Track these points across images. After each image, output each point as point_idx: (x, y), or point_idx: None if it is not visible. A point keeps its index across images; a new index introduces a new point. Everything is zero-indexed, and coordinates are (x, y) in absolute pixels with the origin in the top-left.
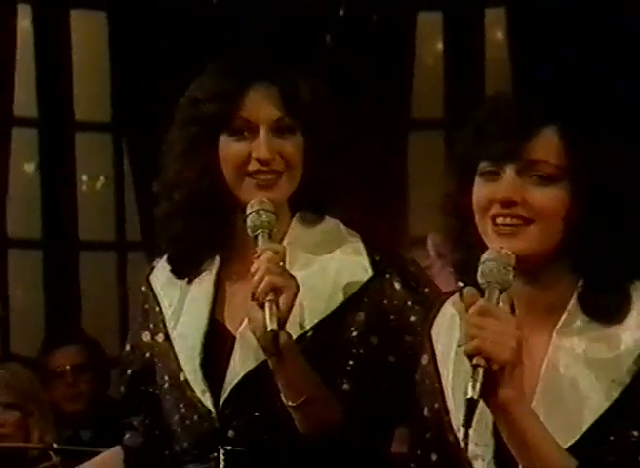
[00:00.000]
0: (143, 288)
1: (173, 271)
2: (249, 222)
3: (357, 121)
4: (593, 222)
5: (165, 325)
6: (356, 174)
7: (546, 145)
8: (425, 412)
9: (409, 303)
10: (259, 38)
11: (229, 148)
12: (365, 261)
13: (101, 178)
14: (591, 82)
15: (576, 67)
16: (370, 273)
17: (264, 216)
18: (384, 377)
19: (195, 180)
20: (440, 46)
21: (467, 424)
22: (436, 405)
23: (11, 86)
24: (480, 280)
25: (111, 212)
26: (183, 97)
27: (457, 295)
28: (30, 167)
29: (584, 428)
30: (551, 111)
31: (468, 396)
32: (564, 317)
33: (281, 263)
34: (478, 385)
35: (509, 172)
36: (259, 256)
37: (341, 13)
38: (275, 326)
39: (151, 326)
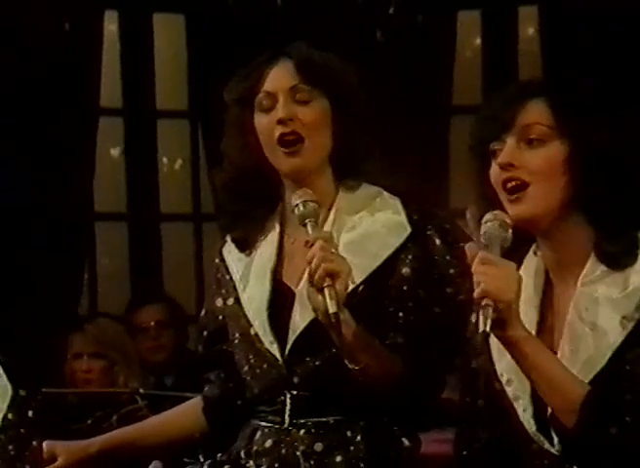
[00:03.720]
0: (217, 260)
1: (237, 246)
2: (297, 212)
3: (405, 108)
4: (593, 178)
5: (236, 289)
6: (399, 148)
7: (536, 111)
8: (474, 364)
9: (447, 257)
10: (317, 34)
11: (260, 121)
12: (404, 220)
13: (179, 160)
14: (598, 70)
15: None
16: (409, 230)
17: (310, 206)
18: (433, 328)
19: (238, 154)
20: (478, 41)
21: (487, 350)
22: (482, 357)
23: (98, 81)
24: (482, 240)
25: (188, 188)
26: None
27: None
28: (116, 151)
29: (604, 361)
30: (537, 86)
31: (480, 330)
32: (585, 270)
33: (332, 250)
34: (489, 321)
35: (509, 141)
36: (311, 245)
37: (391, 12)
38: (335, 308)
39: (223, 292)
